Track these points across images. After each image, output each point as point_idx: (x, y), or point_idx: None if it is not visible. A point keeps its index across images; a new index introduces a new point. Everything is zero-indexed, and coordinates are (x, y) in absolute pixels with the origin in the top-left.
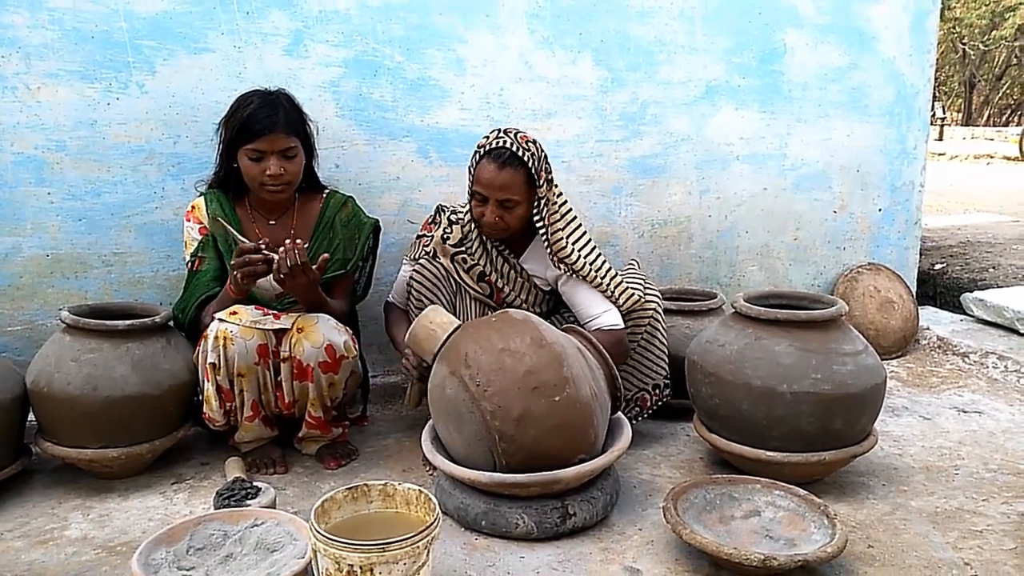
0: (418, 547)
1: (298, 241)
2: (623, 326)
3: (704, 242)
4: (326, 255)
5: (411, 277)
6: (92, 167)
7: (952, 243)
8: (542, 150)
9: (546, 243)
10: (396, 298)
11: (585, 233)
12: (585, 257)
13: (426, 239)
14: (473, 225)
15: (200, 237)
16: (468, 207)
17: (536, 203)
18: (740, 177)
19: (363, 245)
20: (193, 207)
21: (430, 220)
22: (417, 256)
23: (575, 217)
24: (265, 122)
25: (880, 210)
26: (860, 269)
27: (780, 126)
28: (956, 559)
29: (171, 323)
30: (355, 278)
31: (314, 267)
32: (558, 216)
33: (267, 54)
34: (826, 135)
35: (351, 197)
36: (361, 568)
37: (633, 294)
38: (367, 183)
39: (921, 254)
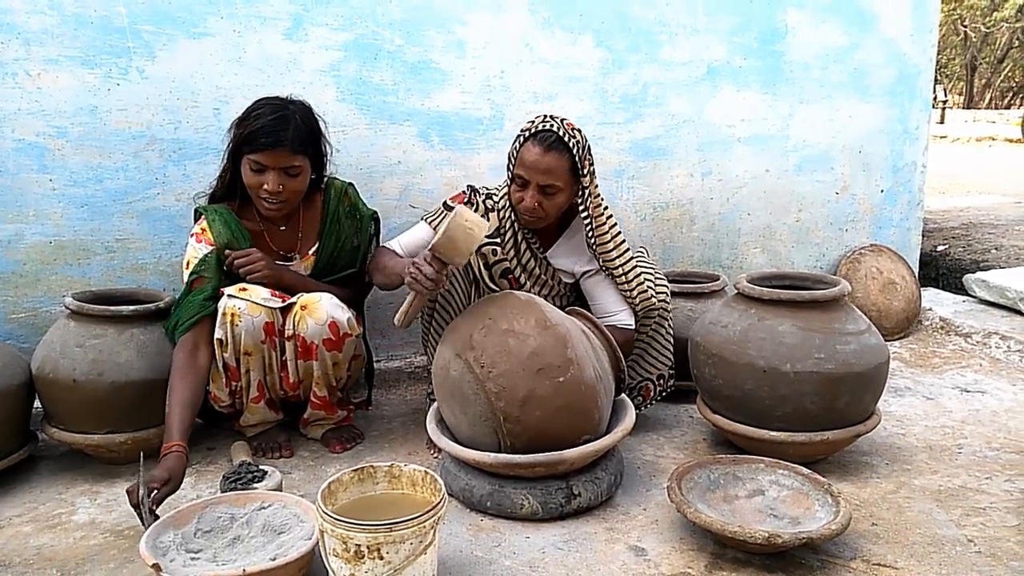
0: (424, 527)
1: (227, 252)
2: (634, 326)
3: (706, 224)
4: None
5: None
6: (93, 153)
7: (954, 224)
8: (586, 140)
9: (591, 236)
10: (399, 245)
11: (620, 232)
12: (620, 257)
13: None
14: (508, 215)
15: (207, 255)
16: (503, 193)
17: (580, 193)
18: (742, 159)
19: (365, 235)
20: (203, 230)
21: (465, 199)
22: None
23: (612, 215)
24: (271, 136)
25: (882, 191)
26: (862, 251)
27: (782, 107)
28: (960, 536)
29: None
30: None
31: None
32: (601, 211)
33: (267, 38)
34: (828, 116)
35: (350, 184)
36: (368, 548)
37: (650, 298)
38: (368, 168)
39: (923, 236)
